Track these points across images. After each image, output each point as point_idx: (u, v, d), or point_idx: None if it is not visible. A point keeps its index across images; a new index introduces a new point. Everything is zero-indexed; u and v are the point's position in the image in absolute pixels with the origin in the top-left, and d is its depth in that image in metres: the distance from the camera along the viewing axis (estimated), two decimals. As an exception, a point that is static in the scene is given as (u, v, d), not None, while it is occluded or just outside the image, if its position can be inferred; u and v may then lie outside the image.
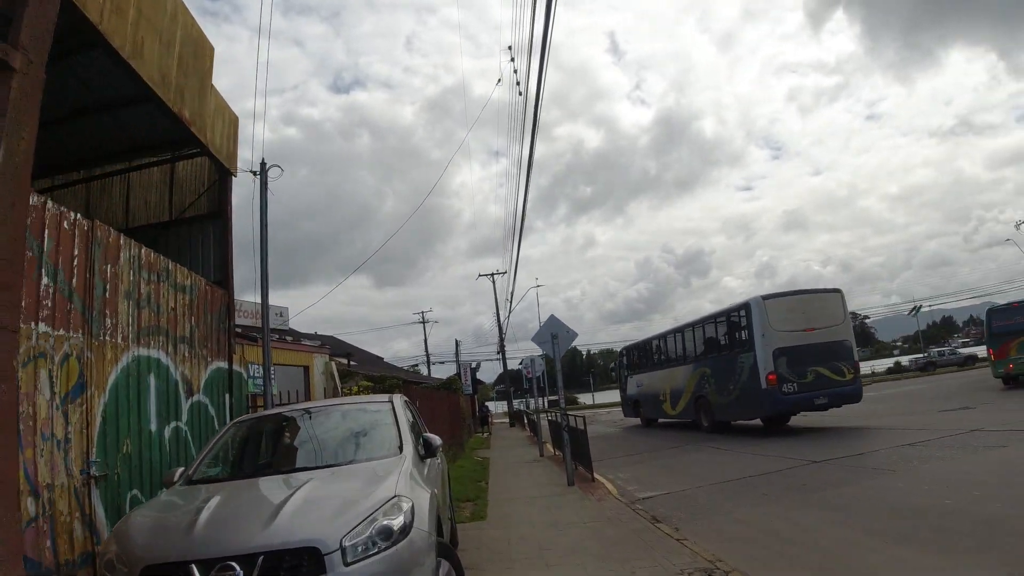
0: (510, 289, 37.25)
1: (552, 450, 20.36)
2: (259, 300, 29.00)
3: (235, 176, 11.70)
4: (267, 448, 6.07)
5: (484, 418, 45.65)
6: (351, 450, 5.55)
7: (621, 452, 18.91)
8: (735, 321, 19.79)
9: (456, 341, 56.37)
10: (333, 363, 20.07)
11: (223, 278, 11.10)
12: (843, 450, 13.23)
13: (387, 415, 5.93)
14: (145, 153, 12.50)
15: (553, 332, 12.97)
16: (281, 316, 33.07)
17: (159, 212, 12.41)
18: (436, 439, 5.87)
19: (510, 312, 50.06)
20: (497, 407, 72.86)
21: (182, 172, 12.43)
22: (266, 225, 11.60)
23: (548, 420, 20.88)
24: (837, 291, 19.57)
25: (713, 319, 21.53)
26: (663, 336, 25.90)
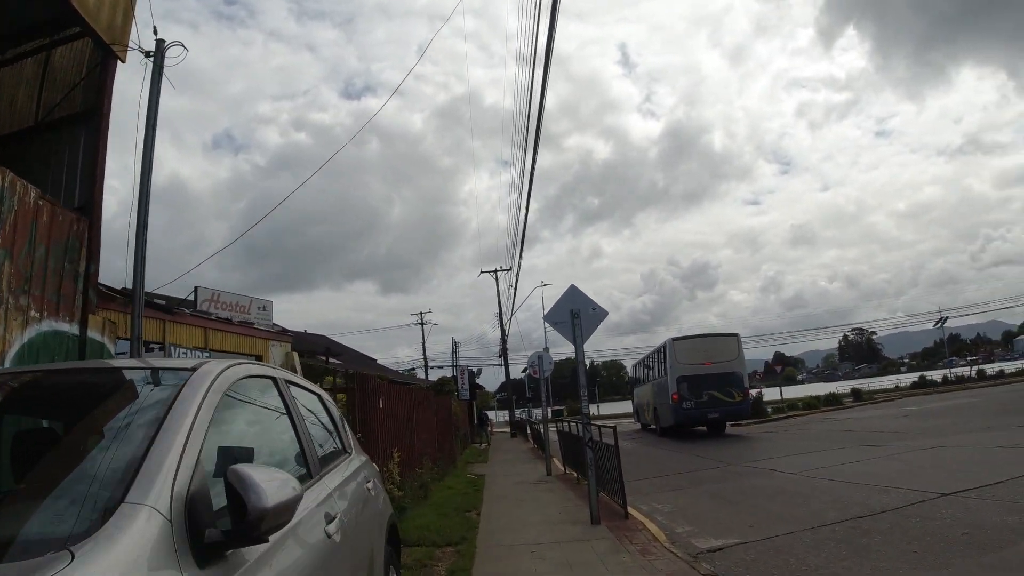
0: (512, 281, 34.40)
1: (562, 467, 16.60)
2: (271, 299, 25.13)
3: (122, 61, 8.03)
4: None
5: (483, 424, 41.67)
6: None
7: (648, 471, 15.08)
8: (662, 354, 26.65)
9: (453, 340, 52.60)
10: (295, 354, 16.36)
11: (87, 202, 7.42)
12: (967, 478, 9.58)
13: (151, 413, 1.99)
14: (19, 41, 8.95)
15: (573, 308, 9.27)
16: (264, 310, 29.55)
17: (25, 116, 8.80)
18: (263, 495, 1.68)
19: (512, 312, 46.30)
20: (498, 417, 69.09)
21: (59, 62, 8.82)
22: (154, 124, 7.88)
23: (558, 431, 17.10)
24: (734, 335, 26.48)
25: (656, 351, 28.43)
26: (644, 358, 32.63)
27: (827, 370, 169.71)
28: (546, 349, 18.57)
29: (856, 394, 44.12)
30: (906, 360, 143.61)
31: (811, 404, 39.55)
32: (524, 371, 76.93)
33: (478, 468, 19.53)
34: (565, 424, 16.59)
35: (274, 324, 20.07)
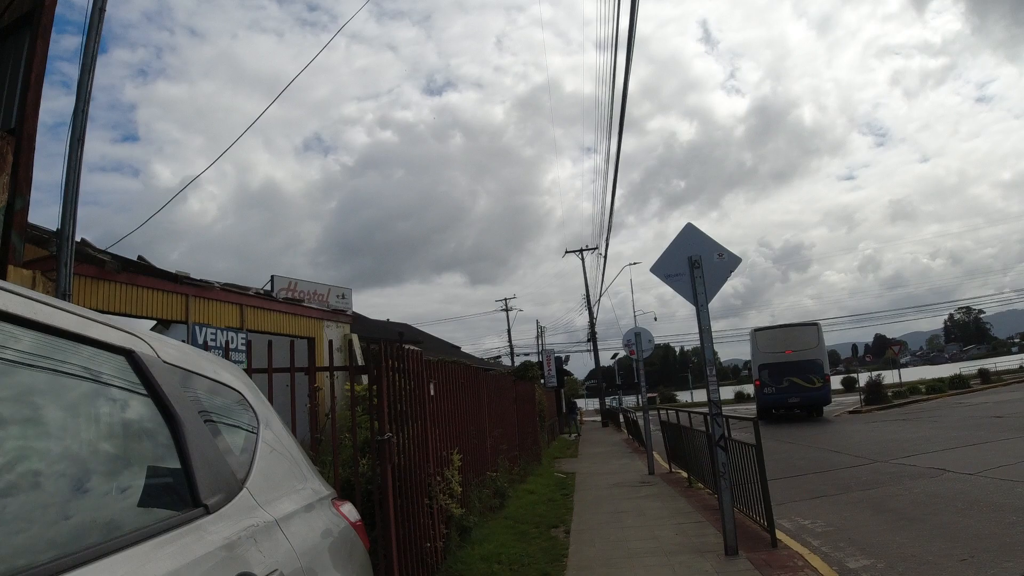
0: (601, 248, 32.93)
1: (666, 464, 14.06)
2: (326, 283, 23.82)
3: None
4: None
5: (572, 413, 39.12)
6: None
7: (772, 470, 12.30)
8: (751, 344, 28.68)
9: (537, 323, 50.32)
10: (355, 336, 14.36)
11: (20, 121, 5.41)
12: None
13: None
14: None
15: (692, 255, 6.76)
16: (343, 298, 28.27)
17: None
18: None
19: (602, 292, 43.57)
20: (587, 405, 66.50)
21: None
22: (103, 7, 5.80)
23: (661, 423, 14.48)
24: (814, 324, 27.81)
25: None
26: None
27: (932, 352, 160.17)
28: (637, 333, 15.82)
29: (984, 376, 40.12)
30: (1017, 340, 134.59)
31: (935, 387, 35.79)
32: (613, 357, 73.94)
33: (567, 464, 17.18)
34: (667, 413, 14.03)
35: (328, 305, 18.29)
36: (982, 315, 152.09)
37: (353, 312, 27.99)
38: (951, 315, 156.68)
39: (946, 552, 6.14)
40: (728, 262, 6.85)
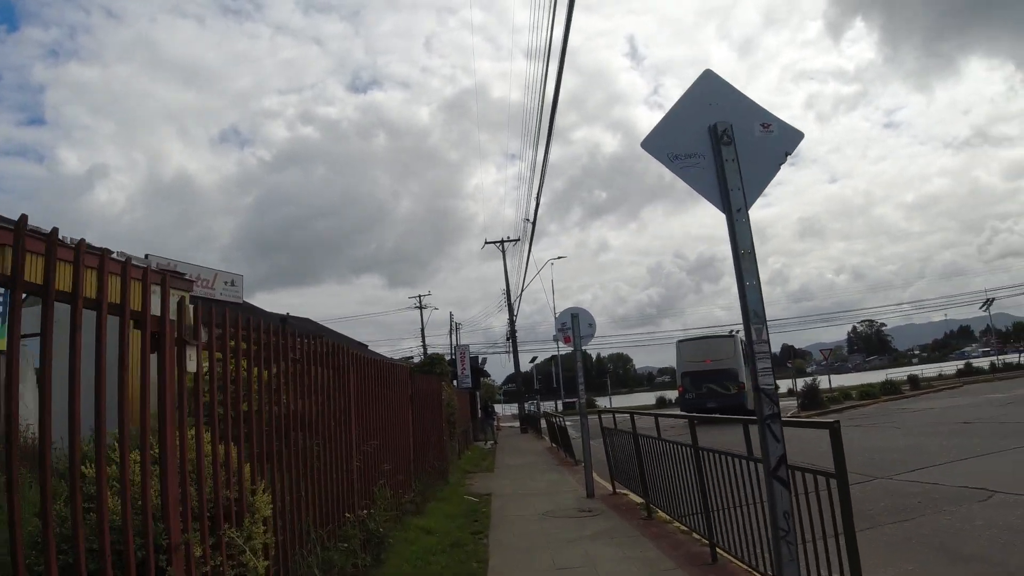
0: (530, 216, 31.29)
1: (608, 484, 10.93)
2: (215, 267, 19.77)
3: None
4: None
5: (489, 418, 35.56)
6: None
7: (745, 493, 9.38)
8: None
9: (451, 315, 47.06)
10: (191, 305, 10.65)
11: None
12: None
13: None
14: None
15: (718, 122, 3.64)
16: (233, 284, 24.50)
17: None
18: None
19: (522, 290, 40.65)
20: (504, 410, 63.39)
21: None
22: None
23: (603, 430, 11.27)
24: (731, 336, 30.30)
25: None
26: None
27: (836, 362, 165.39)
28: (575, 315, 12.07)
29: (913, 382, 39.94)
30: (916, 352, 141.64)
31: (869, 392, 34.78)
32: (532, 360, 71.24)
33: (481, 481, 13.82)
34: (614, 416, 10.90)
35: (244, 302, 14.64)
36: (884, 328, 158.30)
37: (244, 302, 24.13)
38: (854, 327, 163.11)
39: None
40: (781, 137, 3.76)
